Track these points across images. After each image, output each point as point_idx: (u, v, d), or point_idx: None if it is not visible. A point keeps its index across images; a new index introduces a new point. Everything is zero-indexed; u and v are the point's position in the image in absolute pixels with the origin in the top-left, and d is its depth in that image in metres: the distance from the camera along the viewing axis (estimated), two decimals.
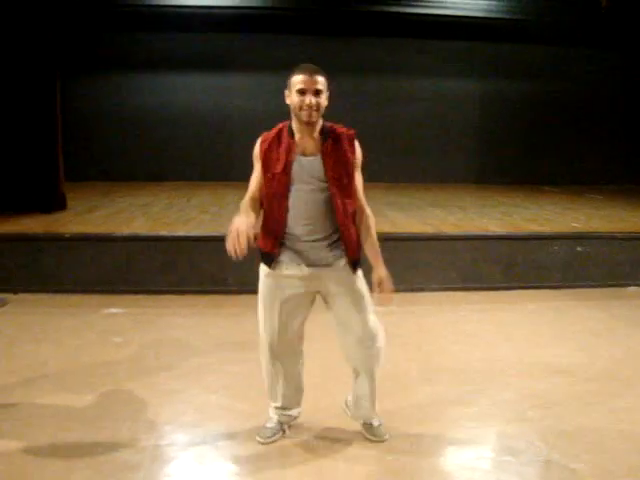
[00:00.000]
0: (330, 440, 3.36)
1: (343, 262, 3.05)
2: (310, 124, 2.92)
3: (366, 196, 3.12)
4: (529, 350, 4.85)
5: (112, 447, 3.21)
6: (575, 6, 11.63)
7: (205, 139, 12.48)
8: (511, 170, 13.19)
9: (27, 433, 3.34)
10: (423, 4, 11.63)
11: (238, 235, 2.60)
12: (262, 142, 3.04)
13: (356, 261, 3.08)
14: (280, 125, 3.06)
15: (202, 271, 6.27)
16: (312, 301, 3.18)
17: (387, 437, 3.36)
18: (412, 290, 6.35)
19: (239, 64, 12.43)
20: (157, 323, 5.39)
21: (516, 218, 8.12)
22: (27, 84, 7.54)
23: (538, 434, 3.44)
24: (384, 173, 11.53)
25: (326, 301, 3.16)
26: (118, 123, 12.22)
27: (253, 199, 3.01)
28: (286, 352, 3.23)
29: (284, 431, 3.38)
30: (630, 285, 6.88)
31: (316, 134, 2.98)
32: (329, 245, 3.03)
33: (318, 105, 2.89)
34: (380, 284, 3.08)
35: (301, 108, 2.88)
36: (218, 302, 6.04)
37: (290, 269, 3.05)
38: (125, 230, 6.64)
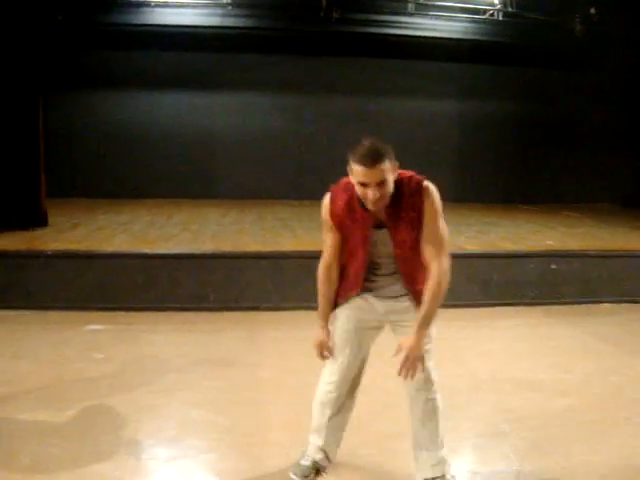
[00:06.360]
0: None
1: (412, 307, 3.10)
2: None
3: None
4: (503, 366, 4.95)
5: (93, 462, 3.23)
6: (552, 30, 11.94)
7: (187, 156, 12.54)
8: (488, 189, 13.39)
9: (8, 449, 3.36)
10: (403, 26, 11.84)
11: (323, 349, 3.05)
12: (332, 214, 2.89)
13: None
14: (345, 184, 2.85)
15: (182, 288, 6.32)
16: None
17: None
18: None
19: (223, 83, 12.58)
20: (137, 339, 5.43)
21: (492, 236, 8.26)
22: (9, 101, 7.58)
23: (511, 447, 3.53)
24: None
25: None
26: (101, 140, 12.28)
27: (329, 268, 3.00)
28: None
29: (318, 471, 3.14)
30: (603, 302, 7.02)
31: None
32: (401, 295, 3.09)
33: (383, 196, 2.68)
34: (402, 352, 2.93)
35: (364, 198, 2.70)
36: (197, 319, 6.08)
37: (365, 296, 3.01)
38: (106, 247, 6.69)
